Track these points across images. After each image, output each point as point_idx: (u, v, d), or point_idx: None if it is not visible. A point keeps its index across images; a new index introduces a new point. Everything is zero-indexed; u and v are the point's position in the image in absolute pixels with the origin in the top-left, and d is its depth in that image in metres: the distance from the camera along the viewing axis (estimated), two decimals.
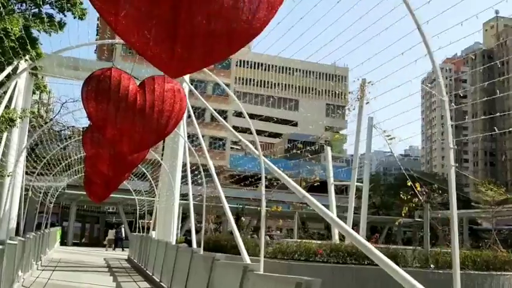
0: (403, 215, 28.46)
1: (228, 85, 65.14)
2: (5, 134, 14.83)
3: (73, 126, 46.18)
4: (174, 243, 18.09)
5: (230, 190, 45.77)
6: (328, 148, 33.57)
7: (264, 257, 21.93)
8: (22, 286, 13.19)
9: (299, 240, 24.10)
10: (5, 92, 14.82)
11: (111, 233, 40.13)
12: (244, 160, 60.08)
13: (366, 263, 20.83)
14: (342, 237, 32.49)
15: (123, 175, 11.75)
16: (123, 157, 9.99)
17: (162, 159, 25.38)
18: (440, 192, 23.18)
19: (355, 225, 31.17)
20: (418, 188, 23.04)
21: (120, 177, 12.43)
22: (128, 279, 16.82)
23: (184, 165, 21.98)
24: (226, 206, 11.48)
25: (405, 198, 24.20)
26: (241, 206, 45.74)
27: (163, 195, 20.80)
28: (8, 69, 14.69)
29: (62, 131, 45.55)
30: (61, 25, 16.21)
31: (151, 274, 16.74)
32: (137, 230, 33.50)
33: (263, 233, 9.57)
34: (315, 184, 36.43)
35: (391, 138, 28.27)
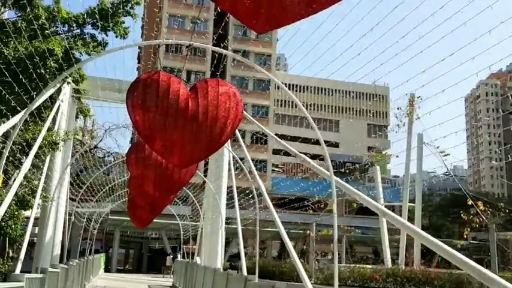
0: (465, 236, 26.64)
1: (267, 107, 64.75)
2: (48, 158, 14.40)
3: (116, 153, 46.51)
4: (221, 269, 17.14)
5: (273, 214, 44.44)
6: (377, 168, 32.08)
7: (316, 283, 20.71)
8: None
9: (351, 265, 22.70)
10: (47, 115, 14.49)
11: (169, 260, 39.31)
12: (287, 183, 58.94)
13: None
14: (394, 262, 30.77)
15: (169, 196, 10.97)
16: (170, 176, 9.23)
17: (205, 181, 24.75)
18: (506, 211, 21.45)
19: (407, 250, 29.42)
20: (481, 207, 21.35)
21: (166, 199, 11.66)
22: None
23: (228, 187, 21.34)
24: (283, 231, 10.46)
25: (466, 218, 22.48)
26: (286, 230, 44.40)
27: (208, 219, 19.97)
28: (51, 91, 14.37)
29: (106, 157, 45.89)
30: (103, 45, 15.91)
31: None
32: (182, 255, 32.74)
33: (336, 257, 8.44)
34: (364, 206, 34.90)
35: (445, 155, 26.67)
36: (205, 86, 6.28)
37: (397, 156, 27.94)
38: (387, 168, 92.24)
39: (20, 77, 12.77)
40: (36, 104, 12.61)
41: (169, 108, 6.00)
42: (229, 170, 17.96)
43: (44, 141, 14.30)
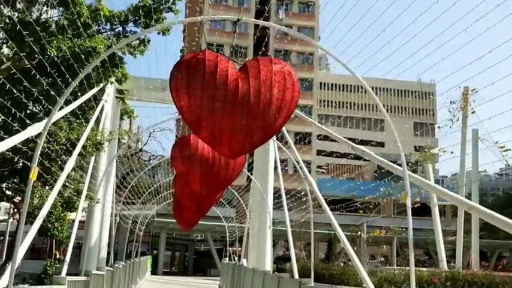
0: None
1: (310, 107, 63.74)
2: (92, 159, 14.15)
3: (161, 155, 46.81)
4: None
5: (319, 215, 43.48)
6: (430, 167, 30.61)
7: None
8: None
9: (407, 268, 21.50)
10: (90, 114, 14.25)
11: None
12: (332, 183, 57.62)
13: None
14: (449, 264, 29.17)
15: (216, 194, 10.37)
16: (217, 173, 8.63)
17: (249, 183, 24.18)
18: None
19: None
20: None
21: (212, 197, 11.09)
22: None
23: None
24: (341, 232, 9.66)
25: None
26: (332, 232, 43.33)
27: (255, 219, 19.32)
28: (94, 90, 14.13)
29: (151, 160, 46.21)
30: (145, 43, 15.58)
31: None
32: (228, 257, 32.27)
33: (412, 259, 7.61)
34: (415, 206, 33.44)
35: (506, 150, 25.00)
36: (257, 65, 5.54)
37: (451, 152, 26.27)
38: (435, 167, 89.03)
39: (66, 76, 12.54)
40: (77, 103, 12.36)
41: (217, 91, 5.32)
42: (276, 168, 17.24)
43: (89, 142, 14.06)
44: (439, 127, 23.31)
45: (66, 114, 14.21)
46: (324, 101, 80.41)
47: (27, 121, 10.33)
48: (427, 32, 10.20)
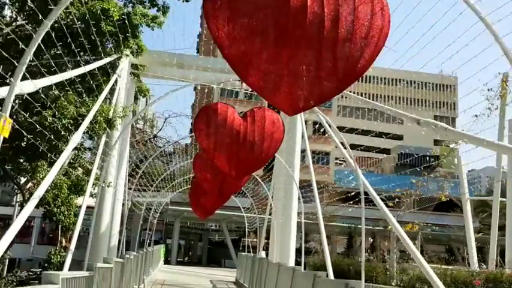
0: None
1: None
2: (103, 138, 12.66)
3: (176, 142, 45.51)
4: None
5: (340, 208, 42.00)
6: (460, 158, 28.61)
7: (399, 286, 17.83)
8: None
9: (443, 267, 19.83)
10: (101, 88, 12.77)
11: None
12: (351, 176, 55.95)
13: None
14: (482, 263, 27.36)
15: (244, 176, 8.85)
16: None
17: (268, 170, 22.69)
18: None
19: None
20: None
21: (239, 181, 9.58)
22: None
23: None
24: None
25: None
26: (353, 226, 41.77)
27: (278, 210, 17.76)
28: (107, 59, 12.64)
29: (165, 147, 44.93)
30: (164, 9, 14.00)
31: None
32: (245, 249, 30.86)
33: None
34: (444, 200, 31.64)
35: None
36: (253, 114, 7.51)
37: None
38: (455, 162, 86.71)
39: (73, 47, 11.06)
40: (86, 68, 10.91)
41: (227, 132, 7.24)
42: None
43: (99, 118, 12.60)
44: (476, 116, 21.42)
45: (75, 87, 12.81)
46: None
47: None
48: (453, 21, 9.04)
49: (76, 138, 9.02)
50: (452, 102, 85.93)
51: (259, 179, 20.07)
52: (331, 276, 10.07)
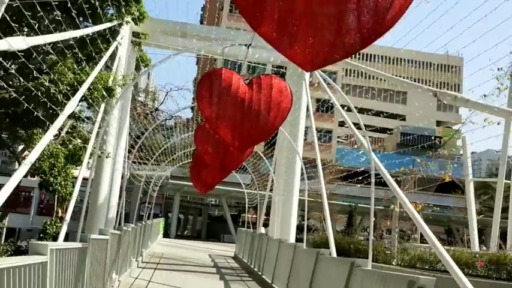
0: None
1: (335, 73, 60.97)
2: (102, 106, 12.20)
3: (178, 116, 45.06)
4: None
5: (339, 187, 41.80)
6: (465, 139, 28.09)
7: (399, 265, 17.59)
8: None
9: (446, 248, 19.56)
10: (101, 55, 12.27)
11: None
12: (353, 155, 55.60)
13: None
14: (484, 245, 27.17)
15: (248, 147, 8.43)
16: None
17: (269, 146, 22.29)
18: None
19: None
20: None
21: (242, 154, 9.17)
22: (242, 287, 13.63)
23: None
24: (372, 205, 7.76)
25: None
26: (353, 204, 41.65)
27: (279, 186, 17.42)
28: (108, 24, 12.11)
29: (167, 120, 44.51)
30: None
31: (270, 282, 13.40)
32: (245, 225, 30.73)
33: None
34: (448, 180, 31.31)
35: None
36: (259, 81, 7.00)
37: (498, 123, 24.09)
38: (457, 144, 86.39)
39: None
40: (84, 31, 10.41)
41: (230, 100, 6.85)
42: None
43: (98, 85, 12.14)
44: (484, 95, 20.79)
45: (74, 52, 12.31)
46: (350, 70, 77.42)
47: None
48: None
49: (73, 104, 8.58)
50: (457, 84, 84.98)
51: (262, 154, 19.66)
52: (334, 254, 9.77)
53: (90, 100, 11.96)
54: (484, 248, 26.38)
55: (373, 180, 8.56)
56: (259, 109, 6.67)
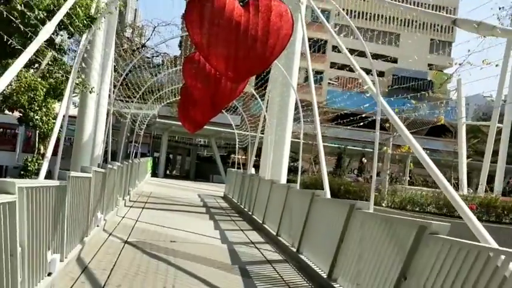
0: None
1: (328, 12, 58.98)
2: (84, 37, 11.26)
3: (165, 53, 43.65)
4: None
5: (329, 129, 41.52)
6: (460, 81, 27.48)
7: (390, 207, 17.44)
8: (103, 231, 10.04)
9: (438, 190, 19.46)
10: None
11: None
12: (343, 97, 54.96)
13: None
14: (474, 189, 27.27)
15: (244, 79, 7.74)
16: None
17: (260, 86, 21.53)
18: None
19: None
20: None
21: (236, 88, 8.48)
22: (232, 227, 13.36)
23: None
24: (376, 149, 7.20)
25: None
26: (342, 146, 41.54)
27: (272, 126, 16.83)
28: None
29: (154, 57, 43.09)
30: None
31: (261, 222, 13.13)
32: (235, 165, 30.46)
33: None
34: (441, 123, 31.12)
35: None
36: (257, 3, 6.03)
37: (496, 65, 23.40)
38: (447, 88, 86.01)
39: None
40: None
41: (224, 24, 5.88)
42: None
43: (79, 10, 11.12)
44: (484, 37, 19.97)
45: None
46: (342, 9, 75.05)
47: None
48: None
49: (50, 27, 7.67)
50: (451, 26, 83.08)
51: (254, 92, 18.89)
52: (328, 195, 9.36)
53: (71, 29, 10.99)
54: (471, 190, 26.52)
55: (378, 125, 7.98)
56: (257, 35, 5.89)
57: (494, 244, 5.30)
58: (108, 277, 6.59)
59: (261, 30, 5.79)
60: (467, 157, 30.12)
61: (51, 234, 5.56)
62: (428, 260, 4.77)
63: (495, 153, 25.72)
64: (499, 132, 25.21)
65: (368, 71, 9.78)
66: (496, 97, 25.45)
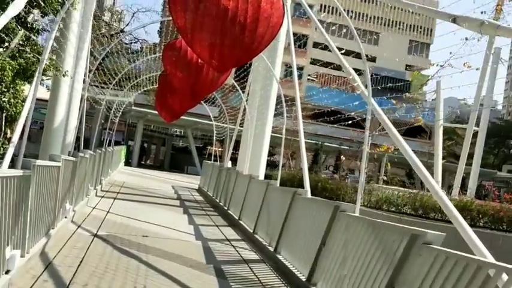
0: None
1: (311, 7, 58.73)
2: (58, 17, 10.64)
3: (144, 40, 42.76)
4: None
5: (307, 125, 41.30)
6: (439, 83, 27.56)
7: (366, 206, 17.28)
8: (72, 223, 9.50)
9: (414, 191, 19.39)
10: None
11: None
12: (321, 94, 54.99)
13: (506, 228, 16.03)
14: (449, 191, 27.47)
15: (228, 69, 7.31)
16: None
17: (240, 78, 21.12)
18: None
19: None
20: None
21: (218, 78, 8.05)
22: (207, 222, 12.95)
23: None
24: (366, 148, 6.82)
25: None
26: (320, 143, 41.47)
27: (252, 119, 16.43)
28: None
29: (132, 43, 42.15)
30: None
31: (237, 219, 12.75)
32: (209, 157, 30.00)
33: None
34: (417, 125, 31.22)
35: None
36: None
37: (477, 69, 23.53)
38: (424, 89, 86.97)
39: None
40: None
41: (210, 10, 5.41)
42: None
43: None
44: (466, 38, 19.80)
45: None
46: (325, 6, 75.01)
47: None
48: None
49: (20, 3, 7.09)
50: (430, 28, 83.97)
51: (236, 84, 18.43)
52: (309, 194, 9.05)
53: (44, 6, 10.39)
54: (445, 192, 26.63)
55: (368, 124, 7.68)
56: (245, 22, 5.48)
57: (486, 253, 5.05)
58: (74, 275, 6.12)
59: (250, 18, 5.37)
60: (442, 159, 30.33)
61: (11, 229, 5.06)
62: (419, 271, 4.47)
63: (469, 156, 25.97)
64: (474, 135, 25.46)
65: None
66: (475, 100, 25.59)
